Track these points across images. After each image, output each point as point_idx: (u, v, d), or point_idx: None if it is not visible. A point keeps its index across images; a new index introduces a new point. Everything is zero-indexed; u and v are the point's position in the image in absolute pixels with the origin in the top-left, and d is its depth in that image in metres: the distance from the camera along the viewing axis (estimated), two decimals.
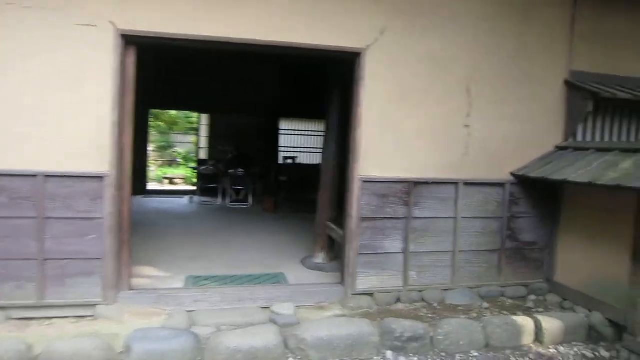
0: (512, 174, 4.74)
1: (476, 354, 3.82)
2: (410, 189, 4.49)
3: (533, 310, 4.51)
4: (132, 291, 4.18)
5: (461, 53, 4.54)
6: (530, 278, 4.92)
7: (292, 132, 13.12)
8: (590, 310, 4.34)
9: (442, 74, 4.51)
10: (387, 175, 4.43)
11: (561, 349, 3.98)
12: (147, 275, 4.85)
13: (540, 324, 4.04)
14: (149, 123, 12.61)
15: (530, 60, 4.73)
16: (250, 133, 12.06)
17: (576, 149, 4.55)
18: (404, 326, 3.81)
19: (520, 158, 4.77)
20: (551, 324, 4.04)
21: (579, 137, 4.86)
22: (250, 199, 10.24)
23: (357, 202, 4.38)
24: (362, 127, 4.33)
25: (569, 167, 4.22)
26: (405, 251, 4.55)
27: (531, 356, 3.83)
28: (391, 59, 4.37)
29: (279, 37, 4.11)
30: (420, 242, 4.59)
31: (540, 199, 4.84)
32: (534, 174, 4.47)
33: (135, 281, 4.41)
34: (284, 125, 12.88)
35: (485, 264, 4.79)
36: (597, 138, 4.95)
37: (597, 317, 4.21)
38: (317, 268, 5.40)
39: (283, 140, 12.89)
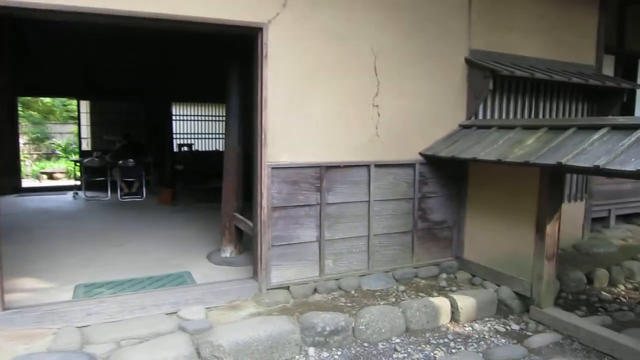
0: (421, 154, 4.70)
1: (398, 340, 3.71)
2: (322, 174, 4.24)
3: (446, 289, 4.54)
4: (6, 311, 3.48)
5: (366, 29, 4.35)
6: (440, 257, 4.97)
7: (187, 118, 12.32)
8: (498, 285, 4.46)
9: (349, 51, 4.29)
10: (298, 160, 4.13)
11: (476, 325, 4.03)
12: (26, 288, 4.12)
13: (456, 303, 4.04)
14: (18, 112, 11.06)
15: (433, 37, 4.69)
16: (140, 120, 11.08)
17: (480, 127, 4.62)
18: (325, 319, 3.58)
19: (428, 137, 4.74)
20: (465, 302, 4.07)
21: (480, 116, 4.96)
22: (144, 192, 9.40)
23: (267, 191, 4.03)
24: (269, 110, 3.97)
25: (476, 146, 4.25)
26: (320, 239, 4.31)
27: (450, 336, 3.81)
28: (295, 34, 4.04)
29: (166, 9, 3.56)
30: (335, 229, 4.39)
31: (448, 177, 4.88)
32: (443, 153, 4.46)
33: (11, 297, 3.70)
34: (177, 110, 12.03)
35: (398, 246, 4.73)
36: (496, 116, 5.09)
37: (505, 291, 4.33)
38: (226, 263, 5.00)
39: (177, 127, 12.05)
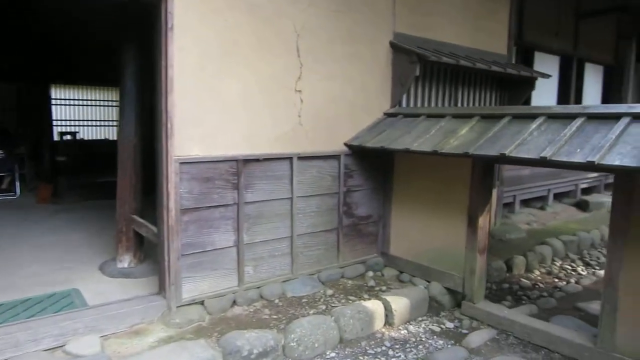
0: (347, 145, 4.33)
1: (333, 354, 3.32)
2: (240, 169, 3.68)
3: (376, 289, 4.24)
4: None
5: (291, 3, 3.83)
6: (366, 254, 4.67)
7: (70, 102, 10.84)
8: (428, 281, 4.27)
9: (269, 28, 3.75)
10: (211, 154, 3.54)
11: (411, 327, 3.78)
12: None
13: (390, 306, 3.75)
14: None
15: (360, 17, 4.30)
16: (10, 105, 9.48)
17: (407, 115, 4.35)
18: (251, 340, 3.08)
19: (353, 126, 4.38)
20: (399, 304, 3.79)
21: (403, 104, 4.71)
22: (17, 188, 8.04)
23: (175, 190, 3.39)
24: (175, 94, 3.32)
25: (406, 136, 3.96)
26: (238, 244, 3.77)
27: (387, 343, 3.51)
28: (209, 5, 3.42)
29: None
30: (255, 231, 3.87)
31: (373, 169, 4.57)
32: (370, 143, 4.11)
33: None
34: (58, 93, 10.53)
35: (323, 245, 4.34)
36: (419, 104, 4.88)
37: (436, 288, 4.14)
38: (124, 275, 4.25)
39: (58, 112, 10.56)
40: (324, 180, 4.24)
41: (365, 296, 4.07)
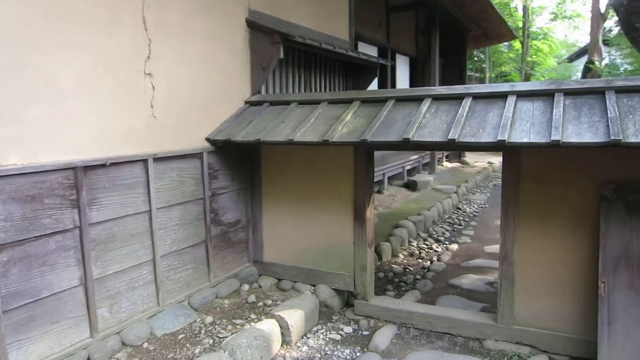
0: (210, 140, 3.61)
1: None
2: (80, 179, 2.70)
3: (259, 305, 3.66)
4: None
5: None
6: (238, 265, 4.03)
7: None
8: (313, 285, 3.86)
9: None
10: (37, 161, 2.49)
11: (310, 342, 3.33)
12: None
13: (286, 322, 3.23)
14: None
15: None
16: None
17: (274, 103, 3.84)
18: None
19: (213, 117, 3.68)
20: (294, 318, 3.30)
21: (262, 91, 4.18)
22: None
23: None
24: None
25: (281, 125, 3.45)
26: (85, 281, 2.78)
27: None
28: None
29: None
30: (107, 260, 2.91)
31: (239, 168, 3.94)
32: (240, 137, 3.49)
33: None
34: None
35: (192, 264, 3.56)
36: (277, 90, 4.41)
37: (324, 291, 3.76)
38: None
39: None
40: (186, 185, 3.47)
41: (252, 315, 3.46)
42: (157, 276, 3.24)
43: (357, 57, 4.83)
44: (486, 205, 7.50)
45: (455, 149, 2.96)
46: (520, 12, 18.20)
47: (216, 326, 3.30)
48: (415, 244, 5.54)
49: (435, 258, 5.05)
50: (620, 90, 2.71)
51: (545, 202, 3.03)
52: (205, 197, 3.62)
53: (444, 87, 3.28)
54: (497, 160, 12.12)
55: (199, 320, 3.36)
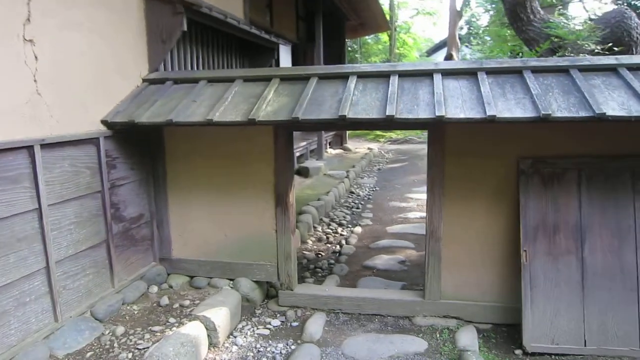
0: (107, 123, 3.09)
1: None
2: None
3: (175, 307, 3.25)
4: None
5: None
6: (143, 265, 3.56)
7: None
8: (231, 279, 3.57)
9: None
10: None
11: (239, 341, 3.05)
12: None
13: (212, 323, 2.92)
14: None
15: None
16: None
17: (178, 81, 3.42)
18: None
19: (108, 97, 3.16)
20: (220, 317, 3.00)
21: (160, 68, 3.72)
22: None
23: None
24: None
25: (193, 105, 3.08)
26: None
27: None
28: None
29: None
30: None
31: (139, 154, 3.45)
32: (146, 118, 3.03)
33: None
34: None
35: (92, 268, 3.03)
36: (176, 67, 3.97)
37: (245, 284, 3.50)
38: None
39: None
40: (81, 176, 2.92)
41: (171, 320, 3.07)
42: (52, 287, 2.68)
43: (259, 36, 4.56)
44: (377, 189, 7.75)
45: (392, 126, 2.91)
46: (387, 6, 19.21)
47: (131, 337, 2.85)
48: (320, 229, 5.48)
49: (343, 241, 5.03)
50: (536, 70, 2.89)
51: (469, 179, 3.13)
52: (104, 190, 3.10)
53: (368, 64, 3.24)
54: (375, 146, 12.69)
55: (107, 332, 2.87)
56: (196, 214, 3.61)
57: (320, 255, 4.66)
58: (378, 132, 15.22)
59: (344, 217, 5.99)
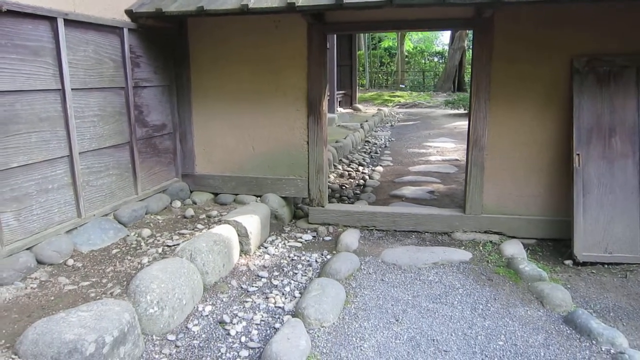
0: (131, 13, 2.85)
1: (208, 307, 2.17)
2: None
3: (202, 218, 3.07)
4: None
5: None
6: (165, 179, 3.37)
7: None
8: (258, 196, 3.38)
9: None
10: None
11: (271, 250, 2.88)
12: None
13: (244, 229, 2.75)
14: None
15: None
16: None
17: None
18: (92, 326, 1.62)
19: None
20: (252, 224, 2.82)
21: None
22: None
23: None
24: None
25: None
26: None
27: (261, 274, 2.53)
28: None
29: None
30: (9, 147, 2.13)
31: (162, 57, 3.23)
32: (174, 7, 2.79)
33: None
34: None
35: (116, 169, 2.84)
36: None
37: (274, 200, 3.32)
38: None
39: None
40: (105, 67, 2.70)
41: (199, 226, 2.89)
42: (76, 178, 2.49)
43: None
44: (393, 139, 7.53)
45: (444, 6, 2.67)
46: None
47: (158, 238, 2.68)
48: (340, 167, 5.28)
49: (367, 177, 4.84)
50: None
51: (517, 82, 2.91)
52: (128, 87, 2.88)
53: None
54: (385, 108, 12.43)
55: (133, 235, 2.70)
56: (221, 128, 3.40)
57: (344, 187, 4.47)
58: (386, 97, 14.96)
59: (363, 159, 5.79)
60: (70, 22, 2.39)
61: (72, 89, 2.43)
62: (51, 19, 2.29)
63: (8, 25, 2.08)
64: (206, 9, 2.71)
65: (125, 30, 2.82)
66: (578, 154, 2.78)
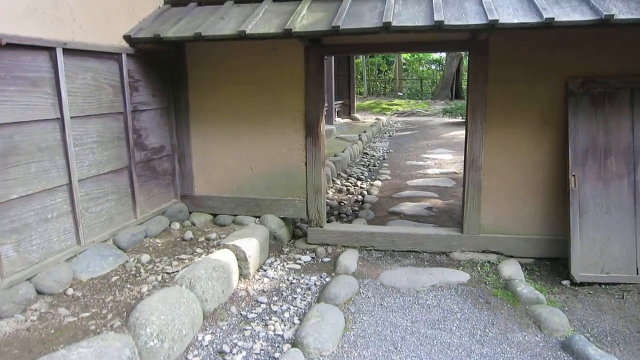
0: (130, 39, 2.88)
1: (208, 336, 2.17)
2: None
3: (201, 241, 3.08)
4: None
5: None
6: (164, 201, 3.38)
7: None
8: (257, 217, 3.39)
9: None
10: None
11: (270, 274, 2.89)
12: None
13: (242, 253, 2.76)
14: None
15: None
16: None
17: (203, 2, 3.19)
18: None
19: (130, 12, 2.95)
20: (250, 248, 2.83)
21: None
22: None
23: None
24: None
25: (221, 22, 2.87)
26: None
27: (260, 300, 2.54)
28: None
29: None
30: (8, 179, 2.13)
31: (160, 81, 3.25)
32: (171, 33, 2.81)
33: None
34: None
35: (114, 194, 2.85)
36: None
37: (272, 221, 3.33)
38: None
39: None
40: (104, 93, 2.72)
41: (198, 250, 2.90)
42: (75, 206, 2.50)
43: None
44: (391, 151, 7.56)
45: (435, 49, 2.71)
46: None
47: (157, 264, 2.69)
48: (339, 182, 5.30)
49: (365, 192, 4.86)
50: None
51: (513, 103, 2.94)
52: (127, 112, 2.90)
53: None
54: (383, 117, 12.47)
55: (132, 260, 2.70)
56: (220, 147, 3.42)
57: (343, 204, 4.49)
58: (384, 105, 15.02)
59: (361, 173, 5.81)
60: (69, 51, 2.41)
61: (71, 117, 2.45)
62: (50, 49, 2.31)
63: (7, 57, 2.10)
64: (204, 35, 2.74)
65: (124, 56, 2.84)
66: (574, 175, 2.80)
